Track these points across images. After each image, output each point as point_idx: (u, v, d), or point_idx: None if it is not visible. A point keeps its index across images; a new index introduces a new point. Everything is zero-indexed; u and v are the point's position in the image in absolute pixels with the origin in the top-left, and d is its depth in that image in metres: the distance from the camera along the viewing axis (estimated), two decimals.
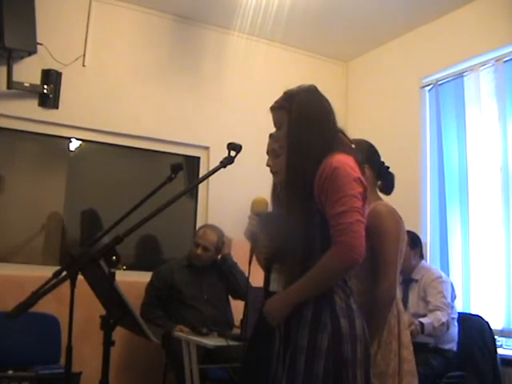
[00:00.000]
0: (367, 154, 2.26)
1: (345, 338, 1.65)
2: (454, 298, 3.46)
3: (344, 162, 1.71)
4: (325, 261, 1.67)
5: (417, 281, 3.46)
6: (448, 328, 3.28)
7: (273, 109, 1.91)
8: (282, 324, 1.78)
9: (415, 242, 3.52)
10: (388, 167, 2.39)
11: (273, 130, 2.29)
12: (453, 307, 3.38)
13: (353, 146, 1.86)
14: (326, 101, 1.87)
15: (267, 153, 2.26)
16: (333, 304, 1.69)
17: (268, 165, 2.21)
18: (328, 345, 1.64)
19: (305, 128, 1.79)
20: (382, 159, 2.39)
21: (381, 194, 2.36)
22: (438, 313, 3.26)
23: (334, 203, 1.66)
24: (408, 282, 3.49)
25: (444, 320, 3.22)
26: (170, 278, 3.68)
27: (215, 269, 3.80)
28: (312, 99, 1.86)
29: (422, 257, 3.62)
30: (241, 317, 3.35)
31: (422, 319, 3.20)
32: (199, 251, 3.71)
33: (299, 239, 1.72)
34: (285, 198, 1.81)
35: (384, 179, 2.36)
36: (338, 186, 1.67)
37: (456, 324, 3.39)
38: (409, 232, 3.52)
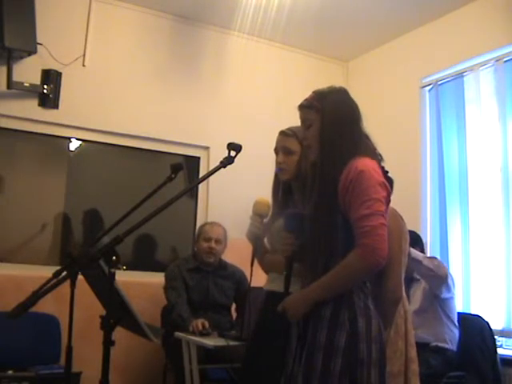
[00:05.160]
0: None
1: (361, 338, 1.67)
2: (453, 283, 3.44)
3: (369, 165, 1.74)
4: (348, 262, 1.69)
5: (418, 280, 3.46)
6: (437, 275, 3.25)
7: (302, 107, 1.92)
8: (300, 322, 1.79)
9: (415, 241, 3.51)
10: (387, 172, 2.39)
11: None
12: (450, 288, 3.37)
13: (376, 151, 1.88)
14: (355, 103, 1.90)
15: (275, 150, 2.25)
16: (352, 304, 1.71)
17: (279, 162, 2.20)
18: (345, 344, 1.66)
19: (337, 129, 1.81)
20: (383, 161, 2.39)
21: None
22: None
23: (359, 206, 1.69)
24: (409, 280, 3.48)
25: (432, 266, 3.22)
26: (180, 277, 3.59)
27: (222, 271, 3.73)
28: (344, 101, 1.89)
29: None
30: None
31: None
32: (213, 244, 3.63)
33: (323, 238, 1.75)
34: (314, 197, 1.82)
35: None
36: (363, 189, 1.69)
37: (457, 324, 3.38)
38: (409, 231, 3.52)
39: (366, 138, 1.87)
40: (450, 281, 3.33)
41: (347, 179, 1.72)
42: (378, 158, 1.83)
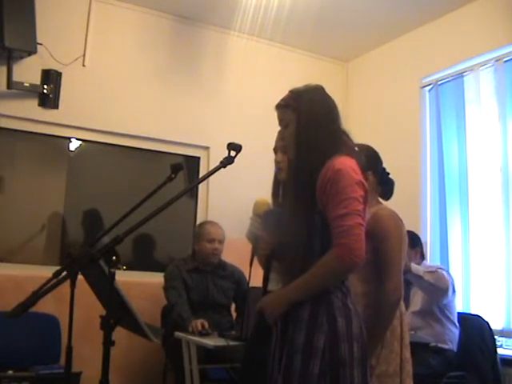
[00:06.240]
0: (371, 161, 2.28)
1: (341, 338, 1.65)
2: (454, 291, 3.44)
3: (347, 164, 1.71)
4: (324, 262, 1.67)
5: None
6: (438, 286, 3.26)
7: (278, 107, 1.89)
8: (279, 323, 1.78)
9: (415, 241, 3.52)
10: (388, 173, 2.40)
11: (274, 128, 2.30)
12: (451, 301, 3.37)
13: (356, 148, 1.86)
14: (333, 101, 1.87)
15: (274, 149, 2.25)
16: (330, 304, 1.69)
17: (277, 161, 2.20)
18: (324, 345, 1.64)
19: (313, 128, 1.78)
20: (383, 160, 2.41)
21: (380, 199, 2.38)
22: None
23: (336, 205, 1.67)
24: (409, 282, 3.48)
25: (432, 279, 3.22)
26: (180, 278, 3.58)
27: (221, 271, 3.73)
28: (320, 99, 1.86)
29: (423, 257, 3.61)
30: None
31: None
32: (216, 245, 3.63)
33: (300, 238, 1.72)
34: (289, 197, 1.81)
35: (384, 186, 2.38)
36: (340, 188, 1.67)
37: (457, 325, 3.38)
38: (408, 231, 3.53)
39: (346, 135, 1.85)
40: (449, 291, 3.33)
41: (325, 178, 1.69)
42: (357, 156, 1.80)
